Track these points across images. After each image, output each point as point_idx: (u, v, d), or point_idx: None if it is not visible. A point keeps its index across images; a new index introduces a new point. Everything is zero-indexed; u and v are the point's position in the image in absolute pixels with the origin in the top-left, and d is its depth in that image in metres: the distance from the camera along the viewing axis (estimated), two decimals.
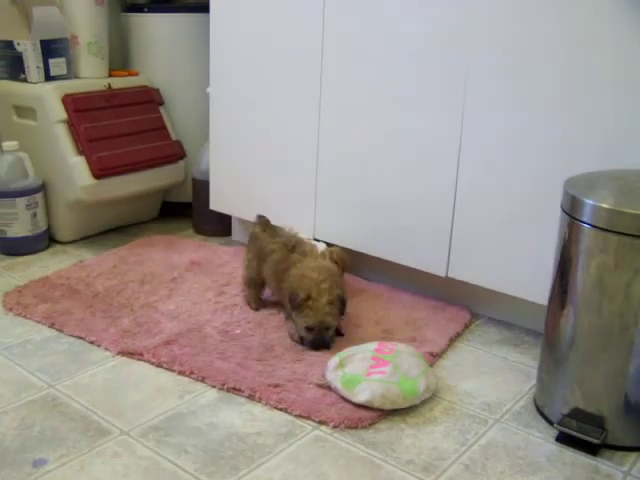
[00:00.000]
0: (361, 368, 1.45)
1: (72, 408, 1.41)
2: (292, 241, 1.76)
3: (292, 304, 1.62)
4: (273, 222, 1.88)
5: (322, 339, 1.62)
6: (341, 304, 1.63)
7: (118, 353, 1.61)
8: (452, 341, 1.71)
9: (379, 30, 1.77)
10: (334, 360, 1.50)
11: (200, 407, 1.42)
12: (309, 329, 1.61)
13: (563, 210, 1.33)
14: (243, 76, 2.09)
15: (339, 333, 1.70)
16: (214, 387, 1.49)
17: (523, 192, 1.62)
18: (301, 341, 1.65)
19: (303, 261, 1.69)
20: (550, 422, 1.40)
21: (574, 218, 1.29)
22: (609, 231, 1.23)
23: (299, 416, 1.40)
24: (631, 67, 1.42)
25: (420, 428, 1.38)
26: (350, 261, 1.87)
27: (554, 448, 1.34)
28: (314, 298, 1.59)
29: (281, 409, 1.41)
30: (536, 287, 1.62)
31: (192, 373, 1.52)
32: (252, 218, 2.17)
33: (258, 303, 1.83)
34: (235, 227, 2.38)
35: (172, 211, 2.58)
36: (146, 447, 1.29)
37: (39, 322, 1.74)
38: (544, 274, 1.54)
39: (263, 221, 1.86)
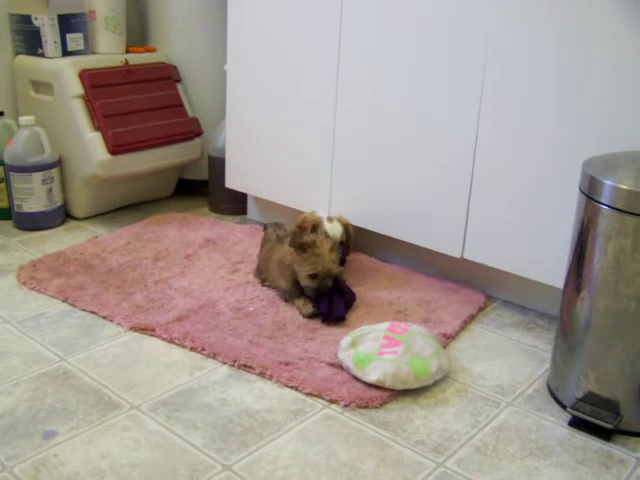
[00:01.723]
0: (373, 347, 1.44)
1: (83, 381, 1.41)
2: (282, 234, 1.83)
3: (294, 242, 1.67)
4: (289, 201, 1.97)
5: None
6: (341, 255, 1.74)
7: (130, 328, 1.61)
8: (466, 323, 1.69)
9: (399, 6, 1.74)
10: (347, 339, 1.49)
11: (211, 383, 1.42)
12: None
13: (581, 191, 1.31)
14: (260, 54, 2.07)
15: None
16: (225, 364, 1.48)
17: (540, 173, 1.60)
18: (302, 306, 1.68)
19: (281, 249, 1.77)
20: (563, 406, 1.39)
21: (592, 199, 1.27)
22: (628, 213, 1.21)
23: (310, 394, 1.39)
24: None
25: (431, 409, 1.37)
26: (354, 231, 1.93)
27: (566, 432, 1.32)
28: (318, 245, 1.66)
29: (292, 387, 1.41)
30: (552, 270, 1.59)
31: (203, 349, 1.52)
32: (268, 196, 2.18)
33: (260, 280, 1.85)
34: (251, 205, 2.37)
35: (188, 189, 2.57)
36: (156, 422, 1.30)
37: (53, 296, 1.74)
38: (561, 257, 1.52)
39: (273, 223, 1.94)
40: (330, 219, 1.89)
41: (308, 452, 1.23)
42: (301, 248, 1.66)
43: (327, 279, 1.66)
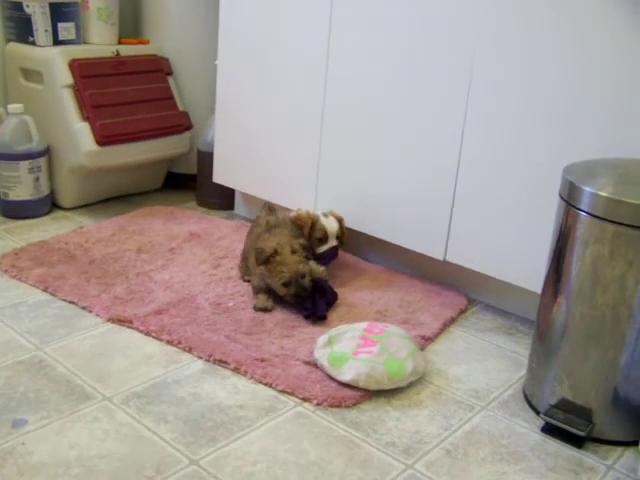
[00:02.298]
0: (349, 347, 1.44)
1: (57, 371, 1.41)
2: (272, 222, 1.81)
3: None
4: (275, 197, 2.02)
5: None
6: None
7: (108, 320, 1.60)
8: (446, 326, 1.69)
9: (388, 14, 1.74)
10: (323, 338, 1.49)
11: (185, 377, 1.41)
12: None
13: (561, 197, 1.30)
14: (250, 51, 2.06)
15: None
16: (200, 358, 1.48)
17: (524, 178, 1.59)
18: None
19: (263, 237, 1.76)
20: (537, 412, 1.38)
21: (571, 205, 1.26)
22: (606, 220, 1.20)
23: (283, 391, 1.39)
24: (634, 52, 1.39)
25: (405, 411, 1.37)
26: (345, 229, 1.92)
27: (538, 438, 1.32)
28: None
29: (265, 383, 1.40)
30: (534, 275, 1.59)
31: (180, 343, 1.51)
32: (255, 192, 2.17)
33: (243, 273, 1.84)
34: (238, 201, 2.36)
35: (177, 182, 2.56)
36: (127, 414, 1.29)
37: (33, 285, 1.74)
38: (542, 262, 1.51)
39: (268, 205, 1.92)
40: (325, 215, 1.88)
41: (277, 449, 1.23)
42: (267, 262, 1.65)
43: (301, 280, 1.65)
